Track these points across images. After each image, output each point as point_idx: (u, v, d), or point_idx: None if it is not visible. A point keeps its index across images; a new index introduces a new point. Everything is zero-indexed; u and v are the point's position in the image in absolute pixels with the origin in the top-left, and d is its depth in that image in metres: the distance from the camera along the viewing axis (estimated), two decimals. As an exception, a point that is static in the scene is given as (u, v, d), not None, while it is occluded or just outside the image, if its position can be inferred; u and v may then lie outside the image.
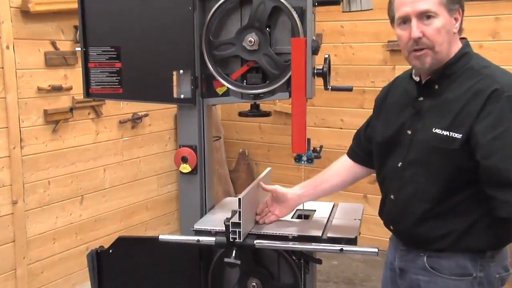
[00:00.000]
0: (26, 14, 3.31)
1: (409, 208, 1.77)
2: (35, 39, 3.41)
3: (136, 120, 4.16)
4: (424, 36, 1.68)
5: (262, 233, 1.93)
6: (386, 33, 4.04)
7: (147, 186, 4.36)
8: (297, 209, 2.11)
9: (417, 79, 1.82)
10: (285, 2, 1.89)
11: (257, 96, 2.01)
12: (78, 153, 3.76)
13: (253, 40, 1.92)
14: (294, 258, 1.95)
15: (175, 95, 2.03)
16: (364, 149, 2.03)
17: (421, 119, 1.76)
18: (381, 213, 1.93)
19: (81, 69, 2.09)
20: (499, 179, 1.60)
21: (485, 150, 1.61)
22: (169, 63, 2.00)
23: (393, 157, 1.83)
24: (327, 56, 1.96)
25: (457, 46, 1.75)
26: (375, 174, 1.97)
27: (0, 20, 3.19)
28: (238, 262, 1.86)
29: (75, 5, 2.06)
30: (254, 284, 1.97)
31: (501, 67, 1.75)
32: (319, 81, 1.94)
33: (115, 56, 2.05)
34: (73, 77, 3.60)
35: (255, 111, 2.11)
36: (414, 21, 1.68)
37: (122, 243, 2.11)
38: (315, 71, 1.92)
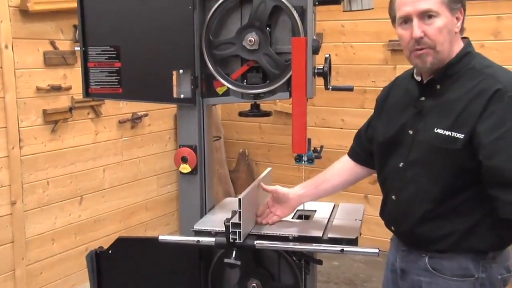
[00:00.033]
0: (25, 13, 3.29)
1: (410, 208, 1.76)
2: (34, 39, 3.40)
3: (135, 120, 4.15)
4: (425, 35, 1.67)
5: (262, 234, 1.93)
6: (387, 33, 4.02)
7: (146, 187, 4.35)
8: (297, 210, 2.10)
9: (418, 78, 1.81)
10: (285, 2, 1.88)
11: (257, 96, 2.00)
12: (77, 153, 3.75)
13: (253, 40, 1.91)
14: (295, 258, 1.94)
15: (175, 95, 2.02)
16: (365, 149, 2.02)
17: (422, 119, 1.75)
18: (382, 214, 1.92)
19: (80, 68, 2.08)
20: (502, 180, 1.59)
21: (488, 150, 1.60)
22: (169, 62, 2.00)
23: (394, 157, 1.82)
24: (327, 55, 1.95)
25: (458, 45, 1.74)
26: (376, 175, 1.97)
27: (-1, 20, 3.18)
28: (238, 262, 1.85)
29: (75, 5, 2.05)
30: (254, 284, 1.96)
31: (503, 66, 1.74)
32: (320, 81, 1.94)
33: (114, 55, 2.04)
34: (73, 76, 3.59)
35: (255, 111, 2.10)
36: (415, 21, 1.67)
37: (122, 243, 2.11)
38: (316, 71, 1.91)
